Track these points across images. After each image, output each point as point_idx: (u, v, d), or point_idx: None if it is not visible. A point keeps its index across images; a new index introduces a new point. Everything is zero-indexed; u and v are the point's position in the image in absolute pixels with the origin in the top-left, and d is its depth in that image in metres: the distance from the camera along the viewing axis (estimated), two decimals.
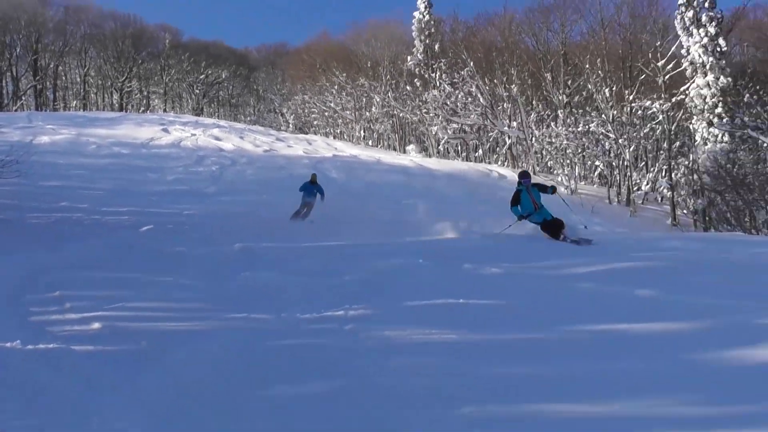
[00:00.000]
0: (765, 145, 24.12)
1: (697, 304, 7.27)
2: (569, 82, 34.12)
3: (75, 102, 60.79)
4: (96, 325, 6.33)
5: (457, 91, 38.24)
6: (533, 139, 33.98)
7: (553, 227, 12.12)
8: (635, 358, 5.56)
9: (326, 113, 49.49)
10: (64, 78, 61.61)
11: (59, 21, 59.67)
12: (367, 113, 45.92)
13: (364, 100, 45.88)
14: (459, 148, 39.53)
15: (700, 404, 4.61)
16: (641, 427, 4.22)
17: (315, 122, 51.04)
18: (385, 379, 5.09)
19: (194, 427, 4.25)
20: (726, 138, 29.64)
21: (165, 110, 60.26)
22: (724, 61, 31.44)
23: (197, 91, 64.94)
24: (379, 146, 43.32)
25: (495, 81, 35.88)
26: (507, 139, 35.82)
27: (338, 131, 48.10)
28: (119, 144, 30.30)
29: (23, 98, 56.35)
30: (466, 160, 37.26)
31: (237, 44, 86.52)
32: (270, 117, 60.86)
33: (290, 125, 53.84)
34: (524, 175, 13.04)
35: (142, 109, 60.25)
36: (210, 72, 64.73)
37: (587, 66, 32.55)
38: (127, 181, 21.77)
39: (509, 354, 5.74)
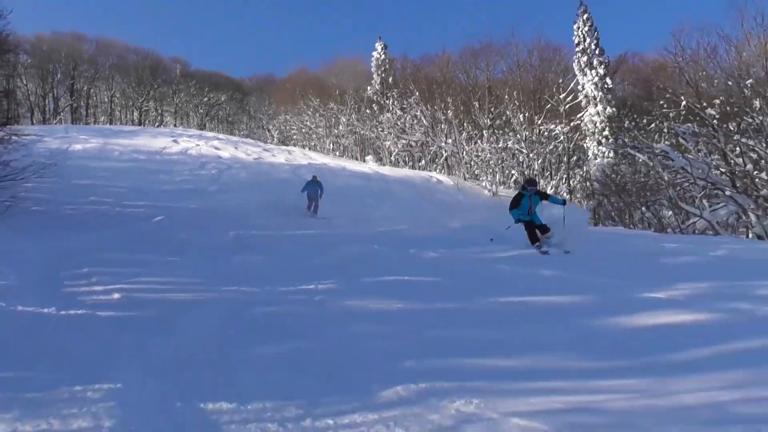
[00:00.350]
0: (640, 160, 24.61)
1: (590, 282, 7.40)
2: (492, 109, 34.38)
3: (103, 118, 59.54)
4: (116, 296, 6.22)
5: (405, 114, 38.30)
6: (464, 152, 34.20)
7: (536, 229, 10.53)
8: (541, 324, 5.63)
9: (303, 130, 49.19)
10: (94, 98, 60.39)
11: (92, 53, 58.97)
12: (335, 130, 45.77)
13: (333, 120, 45.71)
14: (407, 158, 39.57)
15: (592, 359, 4.69)
16: (544, 377, 4.28)
17: (294, 137, 50.67)
18: (346, 340, 5.08)
19: (195, 376, 4.19)
20: (611, 154, 30.23)
21: (175, 125, 59.18)
22: (610, 96, 32.06)
23: (201, 111, 64.14)
24: (345, 156, 43.12)
25: (435, 107, 36.03)
26: (444, 152, 35.99)
27: (312, 144, 47.81)
28: (137, 151, 29.69)
29: (61, 114, 55.34)
30: (413, 168, 37.31)
31: (234, 74, 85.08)
32: (259, 132, 60.21)
33: (275, 139, 53.31)
34: (531, 183, 11.12)
35: (157, 124, 59.11)
36: (212, 96, 64.00)
37: (506, 97, 32.92)
38: (144, 181, 21.35)
39: (444, 320, 5.76)
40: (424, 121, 36.91)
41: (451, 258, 9.16)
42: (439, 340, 5.13)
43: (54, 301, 5.83)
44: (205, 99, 63.59)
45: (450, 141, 35.25)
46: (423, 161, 38.25)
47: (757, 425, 3.52)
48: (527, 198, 10.68)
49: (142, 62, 61.07)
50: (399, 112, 38.87)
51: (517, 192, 11.11)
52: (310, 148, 46.03)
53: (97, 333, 5.07)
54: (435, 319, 5.78)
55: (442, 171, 35.83)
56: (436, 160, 37.27)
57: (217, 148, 34.25)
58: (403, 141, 38.91)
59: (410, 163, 39.13)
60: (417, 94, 37.32)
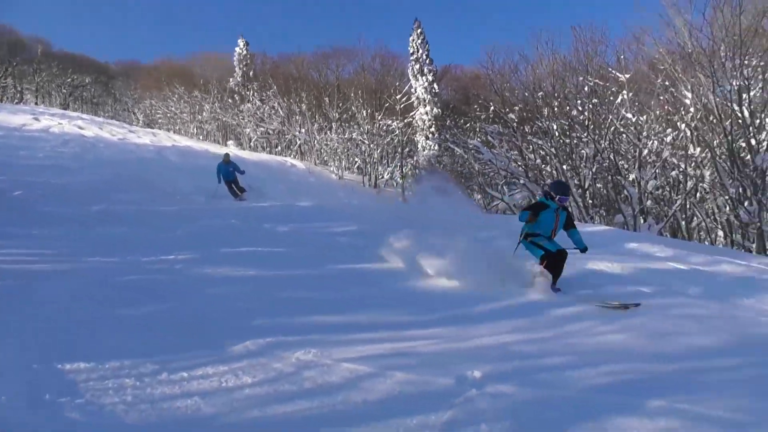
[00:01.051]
0: (458, 152, 26.16)
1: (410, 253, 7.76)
2: (340, 105, 34.52)
3: None
4: None
5: (264, 105, 37.44)
6: (315, 141, 34.20)
7: (560, 261, 6.10)
8: (368, 286, 5.89)
9: (168, 115, 46.13)
10: None
11: None
12: (199, 117, 43.48)
13: (197, 107, 43.36)
14: (265, 144, 38.69)
15: (408, 314, 5.00)
16: (371, 329, 4.50)
17: (160, 120, 47.33)
18: (203, 302, 4.97)
19: (53, 340, 3.88)
20: (436, 147, 31.83)
21: (36, 103, 52.42)
22: (436, 99, 33.64)
23: (64, 91, 56.99)
24: (208, 140, 41.16)
25: (291, 100, 35.52)
26: (298, 140, 35.71)
27: (177, 128, 44.99)
28: None
29: None
30: (270, 153, 36.57)
31: (99, 57, 76.65)
32: (124, 114, 55.04)
33: (140, 121, 49.38)
34: (563, 190, 6.28)
35: (16, 101, 51.89)
36: (75, 77, 57.18)
37: (352, 95, 33.22)
38: (2, 156, 18.80)
39: (291, 283, 5.82)
40: (281, 112, 36.29)
41: (300, 232, 9.19)
42: (285, 301, 5.18)
43: None
44: (69, 80, 56.72)
45: (303, 131, 35.01)
46: (279, 147, 37.65)
47: (529, 359, 4.00)
48: (552, 213, 6.22)
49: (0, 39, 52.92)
50: (258, 103, 37.87)
51: (536, 202, 6.64)
52: (175, 132, 43.33)
53: None
54: (283, 283, 5.81)
55: (296, 156, 35.55)
56: (291, 146, 36.85)
57: (80, 128, 30.95)
58: (262, 129, 38.02)
59: (268, 149, 38.30)
60: (275, 87, 36.54)
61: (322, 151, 34.45)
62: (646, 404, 3.27)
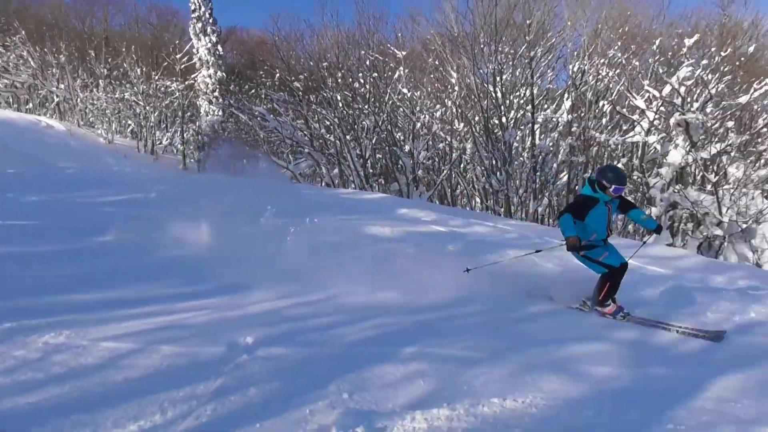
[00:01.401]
0: (243, 119, 25.59)
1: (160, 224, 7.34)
2: (110, 60, 30.99)
3: None
4: None
5: (9, 53, 31.73)
6: (78, 99, 30.32)
7: (622, 277, 4.99)
8: (133, 259, 5.51)
9: None
10: None
11: None
12: None
13: None
14: (11, 100, 32.98)
15: (173, 286, 4.81)
16: (133, 304, 4.26)
17: None
18: None
19: None
20: (220, 113, 30.55)
21: None
22: (221, 62, 32.10)
23: None
24: None
25: (45, 50, 30.74)
26: (56, 97, 31.20)
27: None
28: None
29: None
30: (18, 111, 31.36)
31: None
32: None
33: None
34: (620, 179, 4.78)
35: None
36: None
37: (124, 50, 30.08)
38: None
39: (39, 261, 5.17)
40: (32, 63, 31.20)
41: (55, 202, 8.14)
42: (31, 280, 4.60)
43: None
44: None
45: (62, 86, 30.69)
46: (31, 104, 32.45)
47: (300, 321, 4.19)
48: (603, 207, 4.94)
49: None
50: (1, 50, 31.99)
51: (581, 195, 5.05)
52: None
53: None
54: (29, 261, 5.13)
55: (54, 116, 31.07)
56: (47, 104, 32.05)
57: None
58: (6, 81, 32.27)
59: (15, 106, 32.75)
60: (23, 33, 31.20)
61: (87, 111, 30.69)
62: (401, 352, 3.69)
